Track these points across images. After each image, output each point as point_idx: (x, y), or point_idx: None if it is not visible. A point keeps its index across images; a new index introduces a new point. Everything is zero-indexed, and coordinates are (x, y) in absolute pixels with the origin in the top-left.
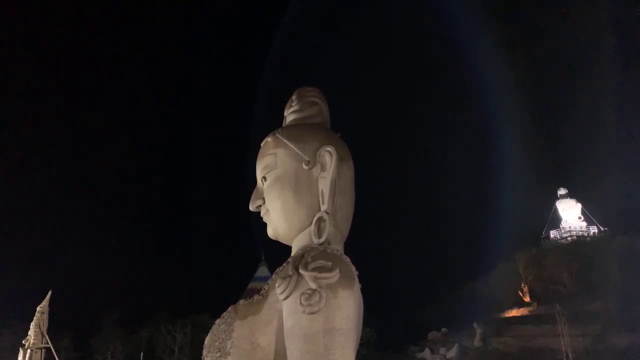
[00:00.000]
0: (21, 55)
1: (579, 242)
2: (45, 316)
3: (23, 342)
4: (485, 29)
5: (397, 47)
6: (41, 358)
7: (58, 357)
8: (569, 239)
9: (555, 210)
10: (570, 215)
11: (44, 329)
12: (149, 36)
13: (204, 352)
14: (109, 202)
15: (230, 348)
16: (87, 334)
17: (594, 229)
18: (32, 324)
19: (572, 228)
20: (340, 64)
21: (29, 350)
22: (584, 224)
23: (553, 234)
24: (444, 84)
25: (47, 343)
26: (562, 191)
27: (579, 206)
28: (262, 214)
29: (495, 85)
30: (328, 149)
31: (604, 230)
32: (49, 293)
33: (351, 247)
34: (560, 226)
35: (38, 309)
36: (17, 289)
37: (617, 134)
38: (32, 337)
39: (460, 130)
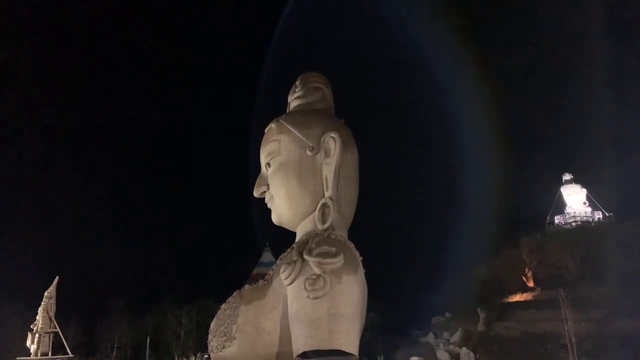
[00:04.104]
0: (23, 47)
1: (584, 227)
2: (53, 301)
3: (31, 326)
4: (492, 11)
5: (399, 37)
6: (49, 342)
7: (66, 342)
8: (573, 224)
9: (560, 196)
10: (575, 200)
11: (52, 314)
12: (152, 26)
13: (210, 337)
14: (116, 190)
15: (236, 332)
16: (94, 319)
17: (598, 215)
18: (40, 309)
19: (577, 213)
20: (343, 51)
21: (37, 335)
22: (589, 209)
23: (558, 219)
24: (446, 69)
25: (55, 328)
26: (567, 176)
27: (584, 191)
28: (266, 200)
29: (501, 70)
30: (332, 135)
31: (609, 215)
32: (56, 279)
33: (355, 232)
34: (565, 211)
35: (46, 294)
36: (25, 274)
37: (622, 119)
38: (40, 322)
39: (464, 115)
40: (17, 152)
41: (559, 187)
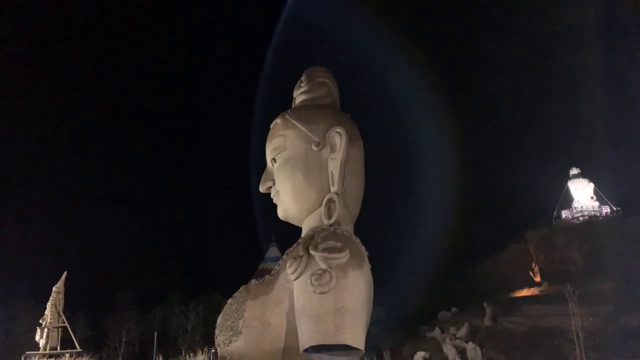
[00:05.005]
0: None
1: (591, 222)
2: (61, 296)
3: (40, 321)
4: (498, 3)
5: (408, 27)
6: (58, 337)
7: (74, 336)
8: (580, 219)
9: (567, 190)
10: (583, 195)
11: (60, 308)
12: (152, 17)
13: (217, 332)
14: (123, 184)
15: (242, 327)
16: (102, 314)
17: (606, 209)
18: (49, 303)
19: (584, 208)
20: (347, 44)
21: (46, 330)
22: (596, 204)
23: (565, 214)
24: (451, 64)
25: (64, 322)
26: (574, 171)
27: (591, 186)
28: (272, 196)
29: (506, 64)
30: (338, 130)
31: (616, 210)
32: (64, 273)
33: (361, 226)
34: (572, 206)
35: (54, 289)
36: (34, 269)
37: (631, 113)
38: (49, 317)
39: (470, 109)
40: (24, 148)
41: (566, 182)
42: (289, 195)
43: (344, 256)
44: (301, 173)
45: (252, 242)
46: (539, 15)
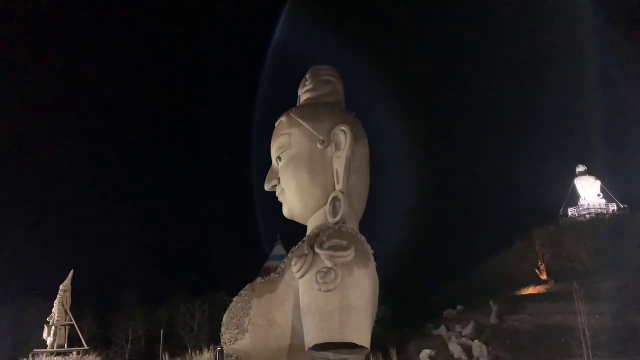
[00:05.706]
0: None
1: (598, 219)
2: (69, 294)
3: (48, 319)
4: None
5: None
6: (65, 335)
7: (81, 334)
8: (587, 216)
9: (574, 188)
10: (589, 192)
11: (67, 306)
12: (154, 12)
13: (223, 330)
14: (128, 182)
15: (248, 325)
16: (109, 312)
17: (613, 207)
18: (56, 302)
19: (591, 206)
20: (351, 42)
21: (53, 327)
22: (603, 201)
23: (571, 211)
24: (454, 61)
25: (71, 320)
26: (580, 168)
27: (598, 183)
28: (277, 194)
29: (511, 59)
30: (343, 128)
31: (624, 207)
32: (71, 272)
33: (367, 225)
34: (579, 204)
35: (61, 287)
36: (41, 268)
37: (637, 109)
38: (56, 315)
39: (474, 107)
40: (31, 148)
41: (573, 179)
42: (294, 193)
43: (349, 254)
44: (306, 171)
45: (258, 240)
46: (544, 12)
